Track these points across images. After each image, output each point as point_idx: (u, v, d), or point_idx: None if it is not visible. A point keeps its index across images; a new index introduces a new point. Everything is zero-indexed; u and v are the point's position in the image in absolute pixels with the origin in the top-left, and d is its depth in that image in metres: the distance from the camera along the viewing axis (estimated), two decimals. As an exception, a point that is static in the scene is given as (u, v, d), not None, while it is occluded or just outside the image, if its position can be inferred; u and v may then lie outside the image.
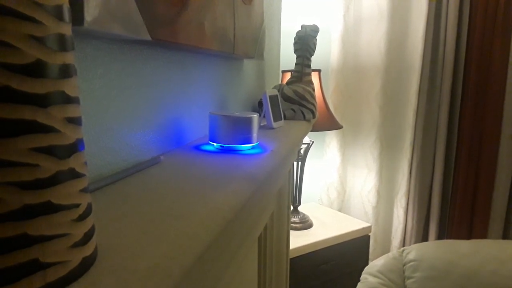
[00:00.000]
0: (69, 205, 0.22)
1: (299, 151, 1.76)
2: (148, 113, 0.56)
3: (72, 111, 0.23)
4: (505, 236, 1.97)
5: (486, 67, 1.90)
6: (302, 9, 2.04)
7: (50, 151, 0.21)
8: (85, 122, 0.42)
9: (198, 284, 0.34)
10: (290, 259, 1.56)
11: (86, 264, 0.24)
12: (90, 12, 0.36)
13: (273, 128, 0.89)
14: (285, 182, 1.02)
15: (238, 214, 0.41)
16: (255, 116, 0.65)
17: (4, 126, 0.18)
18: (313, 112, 1.07)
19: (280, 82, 1.75)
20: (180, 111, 0.67)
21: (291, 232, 1.71)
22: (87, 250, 0.24)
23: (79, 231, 0.23)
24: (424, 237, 2.12)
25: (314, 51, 1.10)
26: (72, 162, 0.23)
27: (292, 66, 1.77)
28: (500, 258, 1.43)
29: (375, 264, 1.56)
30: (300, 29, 1.10)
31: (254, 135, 0.65)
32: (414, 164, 2.04)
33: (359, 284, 1.51)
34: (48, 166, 0.21)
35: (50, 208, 0.21)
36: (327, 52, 2.12)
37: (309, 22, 2.05)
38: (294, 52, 1.11)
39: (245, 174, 0.50)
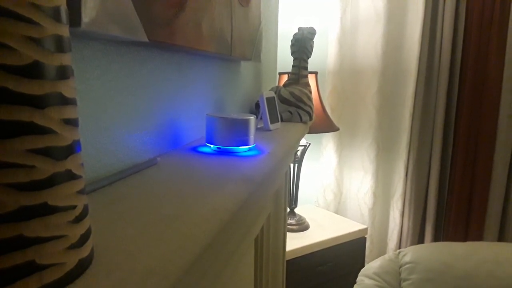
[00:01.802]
0: (66, 207, 0.22)
1: (295, 153, 1.76)
2: (145, 114, 0.56)
3: (69, 112, 0.23)
4: (500, 238, 1.98)
5: (482, 69, 1.92)
6: (299, 11, 2.04)
7: (46, 153, 0.21)
8: (82, 124, 0.42)
9: (195, 286, 0.34)
10: (287, 260, 1.56)
11: (83, 266, 0.24)
12: (88, 13, 0.36)
13: (270, 130, 0.89)
14: (282, 184, 1.02)
15: (235, 215, 0.41)
16: (252, 118, 0.65)
17: (1, 127, 0.18)
18: (310, 114, 1.07)
19: (277, 84, 1.75)
20: (177, 112, 0.67)
21: (288, 234, 1.71)
22: (84, 252, 0.24)
23: (75, 233, 0.23)
24: (420, 239, 2.12)
25: (311, 53, 1.11)
26: (69, 164, 0.23)
27: (289, 68, 1.77)
28: (496, 260, 1.44)
29: (371, 266, 1.56)
30: (297, 31, 1.10)
31: (251, 137, 0.65)
32: (410, 166, 2.05)
33: (355, 286, 1.51)
34: (45, 168, 0.21)
35: (47, 210, 0.21)
36: (324, 54, 2.12)
37: (306, 24, 2.05)
38: (291, 54, 1.12)
39: (242, 176, 0.50)
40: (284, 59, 1.90)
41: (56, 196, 0.21)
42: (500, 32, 1.85)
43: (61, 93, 0.22)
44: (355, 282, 1.55)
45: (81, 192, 0.24)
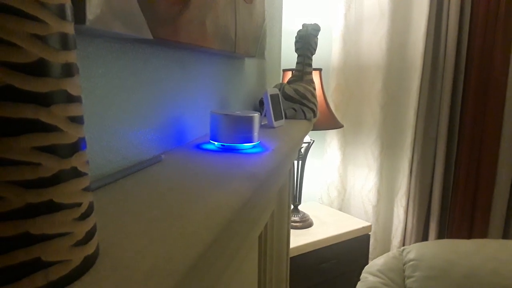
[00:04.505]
0: (71, 204, 0.22)
1: (299, 150, 1.76)
2: (149, 111, 0.56)
3: (74, 110, 0.23)
4: (505, 236, 1.97)
5: (487, 66, 1.90)
6: (303, 8, 2.04)
7: (52, 150, 0.21)
8: (87, 121, 0.42)
9: (199, 283, 0.34)
10: (291, 258, 1.56)
11: (88, 263, 0.24)
12: (92, 10, 0.36)
13: (274, 127, 0.89)
14: (286, 181, 1.02)
15: (239, 213, 0.41)
16: (256, 115, 0.65)
17: (7, 125, 0.19)
18: (314, 111, 1.07)
19: (281, 81, 1.75)
20: (181, 109, 0.67)
21: (292, 231, 1.71)
22: (89, 249, 0.24)
23: (81, 230, 0.23)
24: (424, 237, 2.12)
25: (315, 50, 1.10)
26: (74, 161, 0.23)
27: (293, 65, 1.77)
28: (500, 258, 1.43)
29: (375, 263, 1.56)
30: (301, 28, 1.10)
31: (255, 134, 0.65)
32: (415, 164, 2.04)
33: (359, 283, 1.51)
34: (51, 165, 0.21)
35: (52, 207, 0.21)
36: (328, 51, 2.12)
37: (310, 21, 2.05)
38: (295, 51, 1.11)
39: (246, 173, 0.50)
40: (288, 56, 1.89)
41: (61, 194, 0.22)
42: (505, 28, 1.83)
43: (66, 91, 0.22)
44: (358, 279, 1.55)
45: (86, 189, 0.24)
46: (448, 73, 1.93)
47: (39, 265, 0.20)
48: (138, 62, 0.53)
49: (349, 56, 2.09)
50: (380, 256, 1.60)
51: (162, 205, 0.37)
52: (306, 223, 1.76)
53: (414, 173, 2.05)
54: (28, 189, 0.20)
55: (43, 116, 0.20)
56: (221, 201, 0.39)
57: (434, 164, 2.05)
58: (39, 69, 0.20)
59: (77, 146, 0.23)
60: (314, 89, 1.09)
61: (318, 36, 1.10)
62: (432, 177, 2.06)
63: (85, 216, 0.24)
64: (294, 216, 1.78)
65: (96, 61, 0.44)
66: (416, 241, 2.07)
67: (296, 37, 1.10)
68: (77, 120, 0.23)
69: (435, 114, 2.02)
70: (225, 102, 0.89)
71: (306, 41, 1.08)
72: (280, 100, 0.96)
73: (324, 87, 1.80)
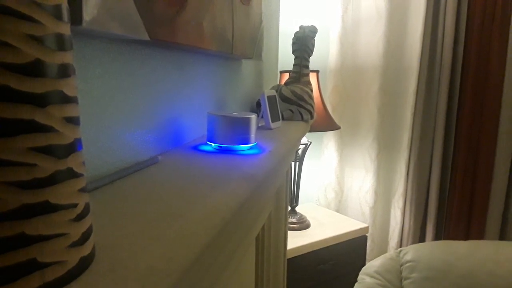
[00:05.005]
0: (67, 205, 0.22)
1: (297, 152, 1.76)
2: (146, 113, 0.56)
3: (70, 110, 0.23)
4: (502, 237, 1.98)
5: (484, 67, 1.91)
6: (301, 10, 2.04)
7: (48, 151, 0.21)
8: (83, 122, 0.42)
9: (196, 284, 0.34)
10: (288, 259, 1.56)
11: (84, 264, 0.24)
12: (89, 11, 0.36)
13: (271, 129, 0.89)
14: (283, 183, 1.02)
15: (236, 214, 0.41)
16: (253, 117, 0.65)
17: (3, 125, 0.18)
18: (311, 113, 1.07)
19: (278, 83, 1.75)
20: (178, 111, 0.67)
21: (289, 232, 1.71)
22: (85, 250, 0.24)
23: (77, 231, 0.23)
24: (421, 238, 2.12)
25: (312, 52, 1.11)
26: (70, 162, 0.23)
27: (290, 67, 1.77)
28: (497, 259, 1.44)
29: (372, 264, 1.56)
30: (298, 29, 1.10)
31: (252, 135, 0.65)
32: (412, 165, 2.04)
33: (356, 284, 1.51)
34: (46, 166, 0.21)
35: (48, 208, 0.21)
36: (325, 52, 2.12)
37: (307, 22, 2.05)
38: (292, 53, 1.11)
39: (243, 174, 0.50)
40: (286, 58, 1.89)
41: (57, 194, 0.21)
42: (502, 29, 1.84)
43: (62, 92, 0.22)
44: (356, 281, 1.55)
45: (82, 190, 0.24)
46: (445, 75, 1.94)
47: (35, 266, 0.20)
48: (135, 63, 0.53)
49: (346, 58, 2.09)
50: (377, 258, 1.60)
51: (159, 206, 0.37)
52: (303, 225, 1.76)
53: (411, 175, 2.05)
54: (24, 190, 0.20)
55: (39, 116, 0.20)
56: (219, 202, 0.39)
57: (431, 165, 2.05)
58: (35, 69, 0.20)
59: (73, 147, 0.23)
60: (311, 90, 1.09)
61: (315, 38, 1.11)
62: (429, 178, 2.07)
63: (81, 217, 0.24)
64: (292, 218, 1.78)
65: (92, 62, 0.43)
66: (413, 243, 2.07)
67: (293, 39, 1.11)
68: (73, 121, 0.23)
69: (432, 115, 2.02)
70: (222, 103, 0.89)
71: (303, 43, 1.08)
72: (277, 101, 0.96)
73: (321, 88, 1.81)
